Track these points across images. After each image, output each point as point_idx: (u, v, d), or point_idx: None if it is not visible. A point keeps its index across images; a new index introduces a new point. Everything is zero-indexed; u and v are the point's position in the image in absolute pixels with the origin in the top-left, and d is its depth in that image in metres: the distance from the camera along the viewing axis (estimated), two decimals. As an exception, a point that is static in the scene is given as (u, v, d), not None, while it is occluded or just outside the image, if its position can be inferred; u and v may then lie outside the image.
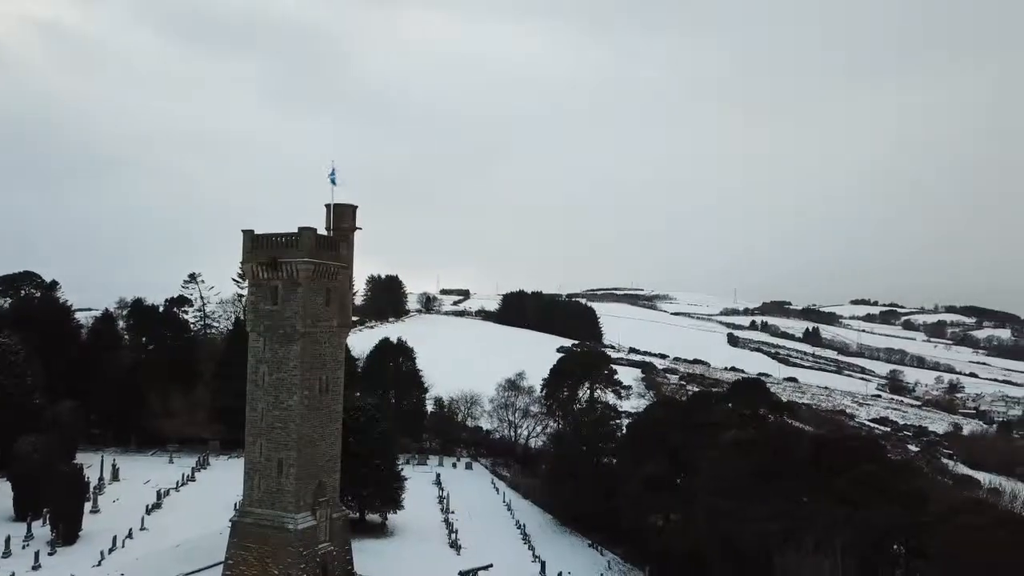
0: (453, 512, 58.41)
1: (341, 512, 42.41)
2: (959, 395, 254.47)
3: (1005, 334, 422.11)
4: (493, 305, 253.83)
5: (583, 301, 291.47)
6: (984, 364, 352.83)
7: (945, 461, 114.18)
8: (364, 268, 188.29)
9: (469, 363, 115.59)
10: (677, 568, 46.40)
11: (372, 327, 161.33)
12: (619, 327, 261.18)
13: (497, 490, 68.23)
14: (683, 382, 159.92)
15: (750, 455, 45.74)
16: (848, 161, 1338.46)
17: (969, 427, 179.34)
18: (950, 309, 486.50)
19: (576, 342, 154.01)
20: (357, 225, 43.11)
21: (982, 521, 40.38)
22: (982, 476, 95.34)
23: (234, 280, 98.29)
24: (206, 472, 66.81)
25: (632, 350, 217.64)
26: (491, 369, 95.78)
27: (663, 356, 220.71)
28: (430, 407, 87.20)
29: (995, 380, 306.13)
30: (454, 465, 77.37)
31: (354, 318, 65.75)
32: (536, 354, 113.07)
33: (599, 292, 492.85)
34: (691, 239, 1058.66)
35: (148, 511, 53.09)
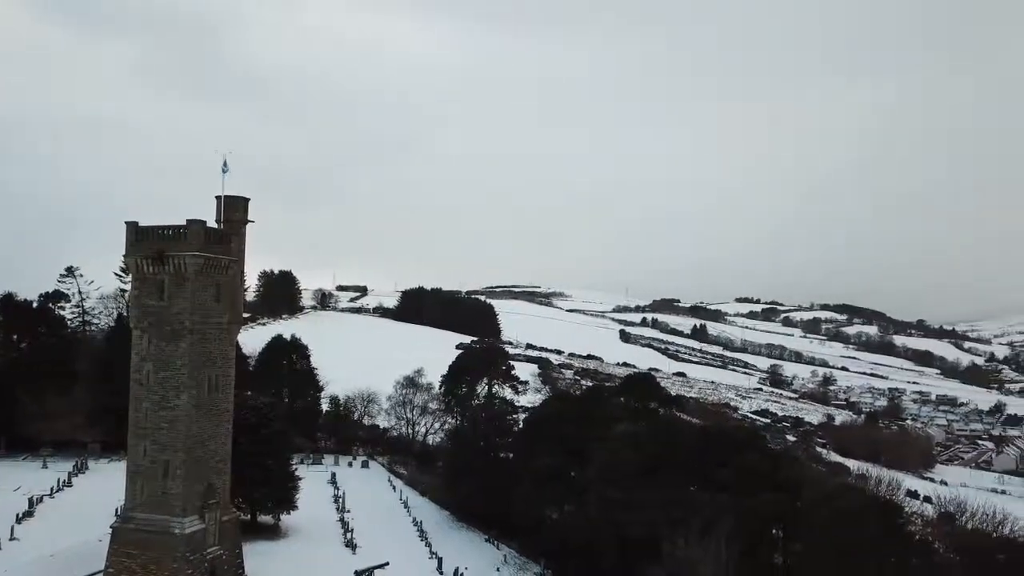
0: (349, 511, 57.67)
1: (231, 514, 41.16)
2: (832, 387, 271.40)
3: (873, 330, 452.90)
4: (392, 302, 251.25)
5: (483, 298, 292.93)
6: (854, 358, 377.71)
7: (819, 450, 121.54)
8: (256, 263, 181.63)
9: (366, 361, 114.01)
10: (571, 558, 47.51)
11: (265, 324, 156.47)
12: (517, 324, 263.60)
13: (394, 488, 67.83)
14: (578, 377, 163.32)
15: (640, 447, 47.45)
16: (736, 165, 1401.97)
17: (840, 417, 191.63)
18: (824, 307, 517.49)
19: (475, 339, 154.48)
20: (249, 218, 41.81)
21: (851, 505, 43.45)
22: (852, 463, 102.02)
23: (116, 275, 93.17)
24: (84, 477, 63.13)
25: (529, 346, 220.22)
26: (389, 367, 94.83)
27: (559, 352, 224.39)
28: (325, 406, 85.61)
29: (863, 373, 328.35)
30: (350, 464, 76.31)
31: (245, 315, 63.72)
32: (435, 351, 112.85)
33: (498, 289, 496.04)
34: (586, 238, 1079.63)
35: (18, 520, 49.64)
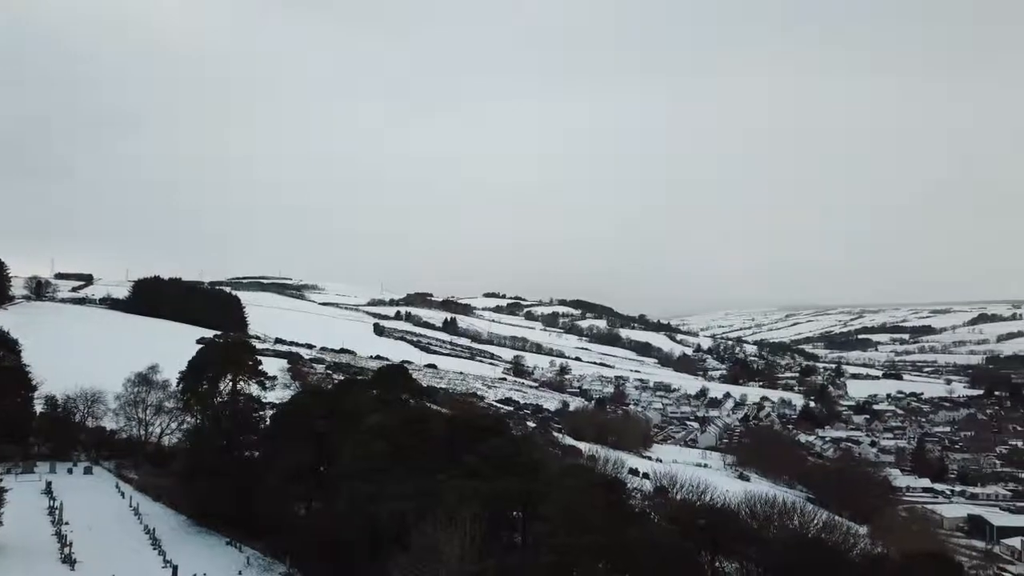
0: (67, 523, 51.91)
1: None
2: (567, 376, 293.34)
3: (603, 324, 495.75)
4: (123, 292, 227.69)
5: (228, 290, 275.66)
6: (586, 349, 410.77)
7: (556, 434, 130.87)
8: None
9: (92, 357, 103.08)
10: (318, 555, 47.07)
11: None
12: (266, 317, 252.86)
13: (123, 495, 62.17)
14: (329, 371, 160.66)
15: (390, 438, 48.27)
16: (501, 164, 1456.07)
17: (575, 403, 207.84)
18: (562, 302, 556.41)
19: (219, 333, 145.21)
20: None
21: (583, 483, 47.77)
22: (583, 445, 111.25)
23: None
24: None
25: (279, 340, 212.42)
26: (118, 363, 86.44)
27: (310, 346, 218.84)
28: (40, 407, 75.99)
29: (594, 363, 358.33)
30: (70, 471, 68.55)
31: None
32: (173, 346, 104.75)
33: (245, 280, 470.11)
34: (342, 230, 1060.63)
35: None
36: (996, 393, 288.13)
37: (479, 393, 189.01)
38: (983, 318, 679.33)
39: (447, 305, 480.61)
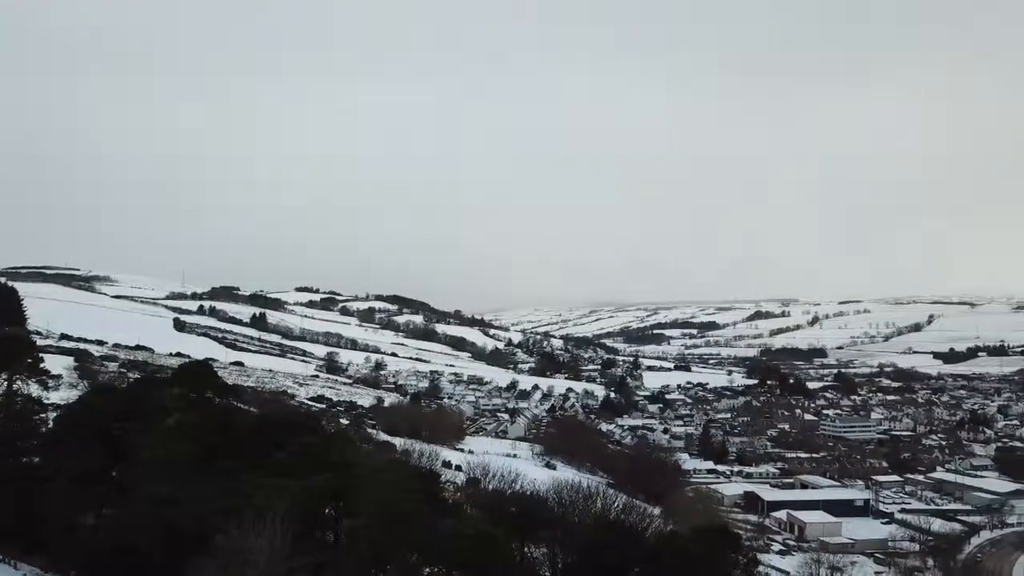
0: None
1: None
2: (383, 372, 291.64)
3: (419, 319, 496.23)
4: None
5: (3, 280, 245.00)
6: (402, 345, 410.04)
7: (370, 431, 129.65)
8: None
9: None
10: (110, 566, 43.76)
11: None
12: (49, 311, 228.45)
13: None
14: (124, 369, 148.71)
15: (193, 438, 45.80)
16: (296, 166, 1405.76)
17: (389, 399, 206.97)
18: (379, 297, 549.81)
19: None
20: None
21: (397, 477, 47.99)
22: (398, 440, 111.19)
23: None
24: None
25: (64, 336, 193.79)
26: None
27: (101, 343, 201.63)
28: None
29: (410, 358, 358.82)
30: None
31: None
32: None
33: (23, 271, 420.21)
34: (136, 218, 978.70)
35: None
36: (768, 382, 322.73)
37: (290, 391, 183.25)
38: (758, 315, 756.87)
39: (256, 300, 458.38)
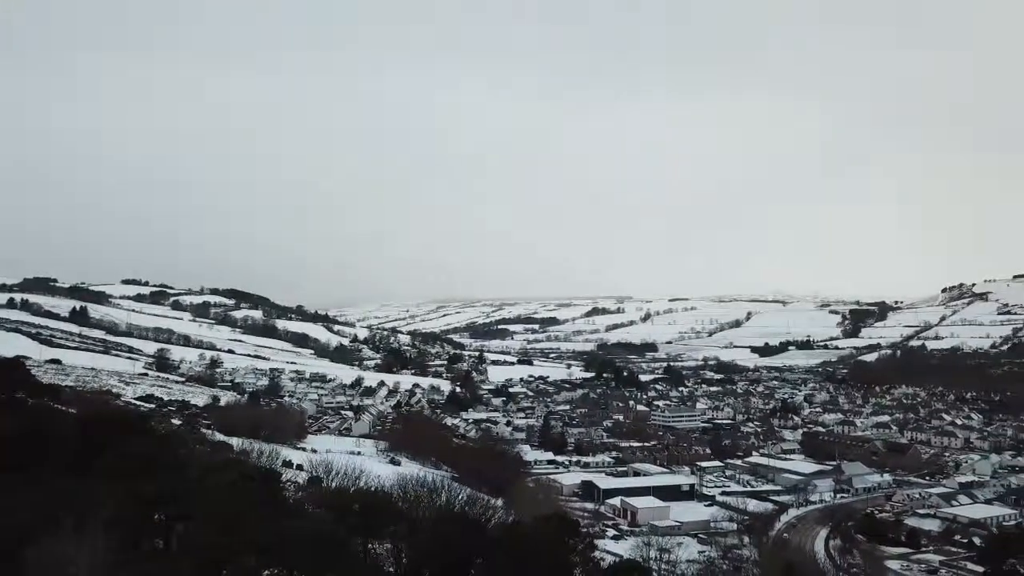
0: None
1: None
2: (219, 370, 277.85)
3: (258, 314, 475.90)
4: None
5: None
6: (240, 341, 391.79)
7: (205, 431, 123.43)
8: None
9: None
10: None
11: None
12: None
13: None
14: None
15: (3, 443, 42.16)
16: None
17: (226, 398, 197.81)
18: (214, 291, 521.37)
19: None
20: None
21: (234, 478, 46.41)
22: (235, 440, 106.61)
23: None
24: None
25: None
26: None
27: None
28: None
29: (248, 355, 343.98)
30: None
31: None
32: None
33: None
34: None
35: None
36: (604, 375, 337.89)
37: (115, 390, 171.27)
38: (596, 311, 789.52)
39: (76, 292, 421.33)
